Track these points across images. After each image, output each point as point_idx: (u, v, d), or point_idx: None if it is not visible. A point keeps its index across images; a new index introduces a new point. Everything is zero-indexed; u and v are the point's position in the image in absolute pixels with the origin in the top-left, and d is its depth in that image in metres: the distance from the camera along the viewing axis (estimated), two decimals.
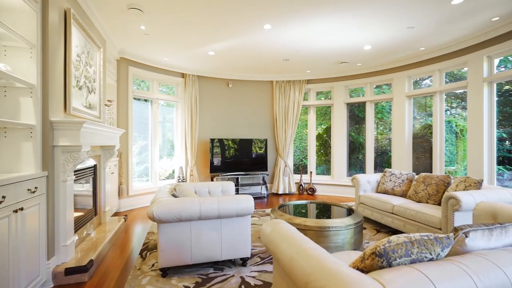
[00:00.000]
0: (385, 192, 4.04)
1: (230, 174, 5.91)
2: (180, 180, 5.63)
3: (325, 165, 6.71)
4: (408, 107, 5.26)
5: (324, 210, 3.58)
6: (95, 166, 3.48)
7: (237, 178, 5.98)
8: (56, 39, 2.41)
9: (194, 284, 2.27)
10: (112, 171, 4.35)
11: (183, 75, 5.79)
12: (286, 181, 6.33)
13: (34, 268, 2.09)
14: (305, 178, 6.50)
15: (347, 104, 6.22)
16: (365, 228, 3.72)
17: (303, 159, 6.87)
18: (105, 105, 3.70)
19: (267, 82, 6.48)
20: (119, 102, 4.80)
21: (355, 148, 6.30)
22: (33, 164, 2.15)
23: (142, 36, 4.06)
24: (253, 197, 5.71)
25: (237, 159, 6.03)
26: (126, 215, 4.05)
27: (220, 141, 5.94)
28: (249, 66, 5.62)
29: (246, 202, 2.50)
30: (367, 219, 4.06)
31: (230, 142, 5.97)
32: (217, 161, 5.90)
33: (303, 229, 2.74)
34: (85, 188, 3.29)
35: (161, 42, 4.29)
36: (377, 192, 4.15)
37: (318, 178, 6.45)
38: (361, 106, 6.11)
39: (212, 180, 5.77)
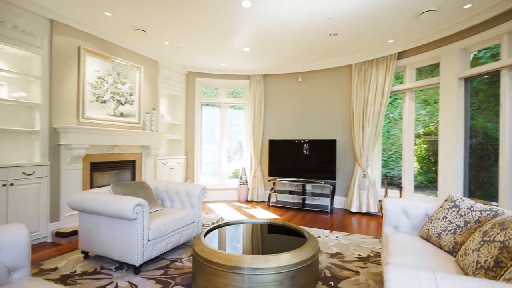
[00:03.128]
0: (427, 238, 2.14)
1: (290, 179, 5.26)
2: (242, 182, 5.73)
3: (432, 179, 4.32)
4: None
5: (283, 240, 2.50)
6: (133, 161, 4.44)
7: (303, 186, 5.20)
8: (64, 70, 3.44)
9: (85, 270, 2.46)
10: (172, 167, 5.26)
11: (248, 77, 5.85)
12: (363, 196, 4.71)
13: (34, 226, 3.14)
14: (395, 194, 4.51)
15: (465, 80, 3.68)
16: None
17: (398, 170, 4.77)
18: (146, 112, 4.61)
19: (343, 68, 5.14)
20: (187, 110, 5.70)
21: (487, 155, 3.58)
22: (38, 157, 3.24)
23: (185, 50, 4.64)
24: (315, 211, 4.77)
25: (300, 163, 5.24)
26: None
27: (282, 142, 5.43)
28: (325, 51, 4.69)
29: (123, 206, 2.35)
30: None
31: (294, 143, 5.30)
32: (277, 164, 5.45)
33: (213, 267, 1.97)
34: (126, 177, 4.31)
35: (206, 50, 4.68)
36: (420, 235, 2.26)
37: (416, 198, 4.26)
38: (493, 80, 3.38)
39: (273, 185, 5.40)
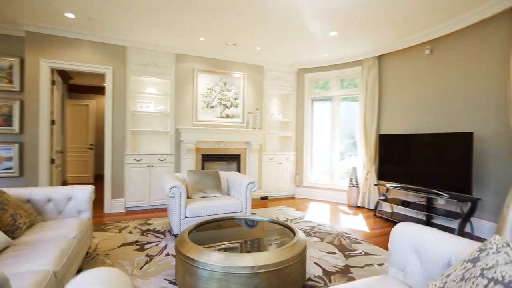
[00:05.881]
0: None
1: (404, 186, 4.02)
2: (352, 184, 5.01)
3: None
4: None
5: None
6: (239, 155, 5.24)
7: (429, 199, 3.81)
8: (184, 87, 4.78)
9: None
10: (280, 162, 5.61)
11: (360, 63, 5.01)
12: None
13: (161, 195, 4.69)
14: None
15: None
16: None
17: None
18: (249, 113, 5.25)
19: (501, 18, 3.21)
20: (297, 107, 5.79)
21: None
22: (168, 149, 4.76)
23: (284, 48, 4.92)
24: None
25: (423, 166, 3.86)
26: (266, 196, 5.20)
27: (397, 137, 4.23)
28: None
29: (164, 186, 3.07)
30: None
31: (414, 139, 4.00)
32: (390, 165, 4.30)
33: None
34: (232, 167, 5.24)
35: (301, 45, 4.75)
36: None
37: None
38: None
39: (386, 192, 4.35)
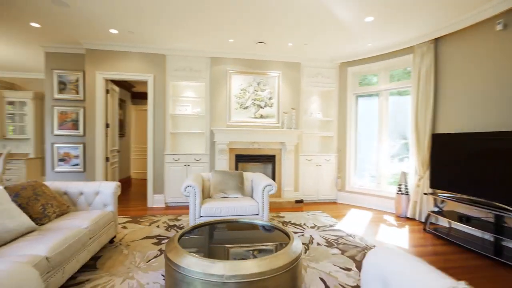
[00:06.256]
0: None
1: (467, 198, 3.25)
2: (401, 191, 4.32)
3: None
4: None
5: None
6: (273, 156, 5.10)
7: (498, 217, 2.98)
8: (218, 89, 4.91)
9: None
10: (319, 164, 5.25)
11: (411, 49, 4.27)
12: None
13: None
14: None
15: None
16: None
17: None
18: (284, 112, 5.04)
19: None
20: (340, 104, 5.31)
21: None
22: (204, 149, 4.96)
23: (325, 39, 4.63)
24: None
25: (487, 172, 3.06)
26: (302, 200, 4.91)
27: (456, 137, 3.45)
28: None
29: (182, 185, 3.19)
30: None
31: (477, 139, 3.22)
32: (446, 170, 3.54)
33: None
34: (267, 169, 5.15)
35: (339, 36, 4.39)
36: None
37: None
38: None
39: (441, 202, 3.62)
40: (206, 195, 3.74)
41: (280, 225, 2.67)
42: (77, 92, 4.79)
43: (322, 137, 5.58)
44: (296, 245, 2.06)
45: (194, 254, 1.87)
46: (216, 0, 3.17)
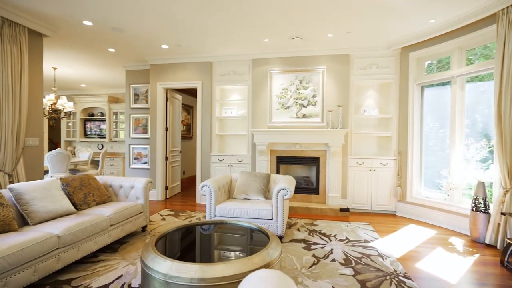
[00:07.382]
0: None
1: None
2: (477, 207, 3.26)
3: None
4: None
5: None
6: (318, 158, 4.71)
7: None
8: (259, 91, 4.91)
9: None
10: (373, 168, 4.54)
11: (493, 18, 3.18)
12: None
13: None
14: None
15: None
16: None
17: None
18: (329, 111, 4.57)
19: None
20: (400, 98, 4.45)
21: None
22: (246, 150, 5.05)
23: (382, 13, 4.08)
24: None
25: None
26: (347, 208, 4.34)
27: None
28: None
29: (201, 184, 3.35)
30: None
31: None
32: None
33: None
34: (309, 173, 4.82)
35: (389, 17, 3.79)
36: None
37: None
38: None
39: None
40: (231, 195, 3.82)
41: (301, 233, 2.46)
42: (146, 102, 5.70)
43: (377, 138, 4.80)
44: (269, 253, 1.87)
45: (172, 258, 1.91)
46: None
